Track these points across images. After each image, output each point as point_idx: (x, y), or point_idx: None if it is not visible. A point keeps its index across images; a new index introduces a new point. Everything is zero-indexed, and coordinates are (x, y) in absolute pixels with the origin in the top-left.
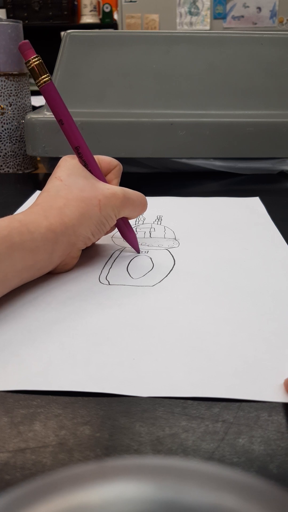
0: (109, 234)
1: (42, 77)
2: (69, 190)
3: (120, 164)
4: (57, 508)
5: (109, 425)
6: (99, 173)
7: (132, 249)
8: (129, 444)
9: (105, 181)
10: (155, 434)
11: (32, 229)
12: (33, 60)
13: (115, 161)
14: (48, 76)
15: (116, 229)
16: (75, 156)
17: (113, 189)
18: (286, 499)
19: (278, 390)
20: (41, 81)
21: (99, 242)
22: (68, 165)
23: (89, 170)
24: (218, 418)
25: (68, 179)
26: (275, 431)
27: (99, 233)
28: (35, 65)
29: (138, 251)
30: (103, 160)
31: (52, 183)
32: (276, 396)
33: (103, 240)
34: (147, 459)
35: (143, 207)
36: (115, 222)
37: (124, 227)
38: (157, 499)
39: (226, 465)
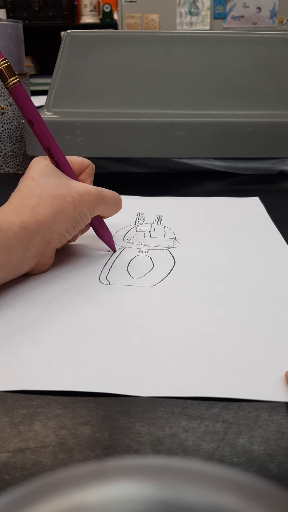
0: None
1: (11, 79)
2: (42, 188)
3: (93, 164)
4: (57, 508)
5: (109, 425)
6: (71, 173)
7: (132, 249)
8: (129, 444)
9: (77, 180)
10: (155, 434)
11: (5, 227)
12: (1, 63)
13: (87, 161)
14: (17, 78)
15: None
16: (46, 157)
17: (87, 187)
18: (286, 499)
19: (278, 390)
20: (10, 83)
21: (97, 242)
22: (40, 165)
23: (61, 171)
24: (218, 418)
25: (41, 178)
26: (275, 431)
27: (74, 231)
28: (4, 67)
29: (114, 250)
30: (75, 160)
31: (25, 183)
32: (276, 396)
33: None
34: (147, 459)
35: (118, 205)
36: (90, 220)
37: (98, 226)
38: (157, 499)
39: (226, 465)
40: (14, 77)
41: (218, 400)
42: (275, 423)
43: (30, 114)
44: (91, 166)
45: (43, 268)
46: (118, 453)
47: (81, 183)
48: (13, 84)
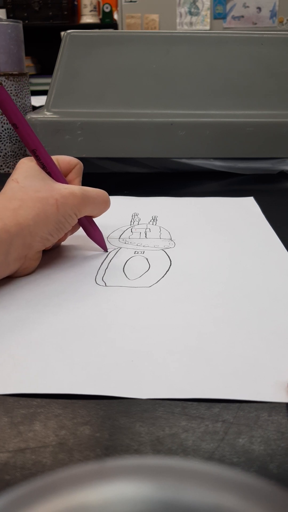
0: (104, 235)
1: None
2: (25, 191)
3: (81, 162)
4: (57, 508)
5: (109, 425)
6: (58, 174)
7: (127, 250)
8: (129, 444)
9: (65, 181)
10: (155, 434)
11: None
12: None
13: (75, 160)
14: None
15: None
16: (33, 158)
17: (71, 188)
18: (286, 499)
19: (278, 390)
20: None
21: (91, 243)
22: (26, 167)
23: (48, 173)
24: (218, 418)
25: (25, 181)
26: (275, 431)
27: (58, 233)
28: None
29: (105, 249)
30: (63, 160)
31: (9, 186)
32: (276, 396)
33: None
34: (147, 459)
35: (105, 204)
36: (76, 221)
37: (88, 226)
38: (157, 499)
39: (226, 465)
40: None
41: (218, 400)
42: (275, 423)
43: (14, 117)
44: (79, 165)
45: (27, 271)
46: (118, 453)
47: (66, 184)
48: None
